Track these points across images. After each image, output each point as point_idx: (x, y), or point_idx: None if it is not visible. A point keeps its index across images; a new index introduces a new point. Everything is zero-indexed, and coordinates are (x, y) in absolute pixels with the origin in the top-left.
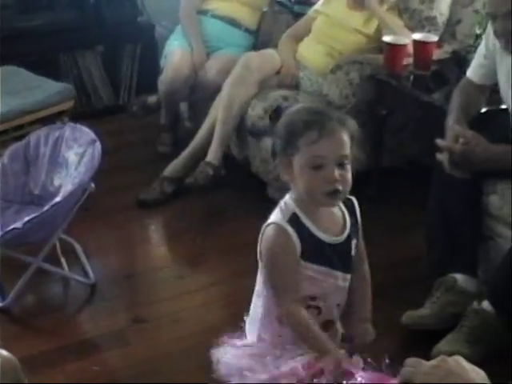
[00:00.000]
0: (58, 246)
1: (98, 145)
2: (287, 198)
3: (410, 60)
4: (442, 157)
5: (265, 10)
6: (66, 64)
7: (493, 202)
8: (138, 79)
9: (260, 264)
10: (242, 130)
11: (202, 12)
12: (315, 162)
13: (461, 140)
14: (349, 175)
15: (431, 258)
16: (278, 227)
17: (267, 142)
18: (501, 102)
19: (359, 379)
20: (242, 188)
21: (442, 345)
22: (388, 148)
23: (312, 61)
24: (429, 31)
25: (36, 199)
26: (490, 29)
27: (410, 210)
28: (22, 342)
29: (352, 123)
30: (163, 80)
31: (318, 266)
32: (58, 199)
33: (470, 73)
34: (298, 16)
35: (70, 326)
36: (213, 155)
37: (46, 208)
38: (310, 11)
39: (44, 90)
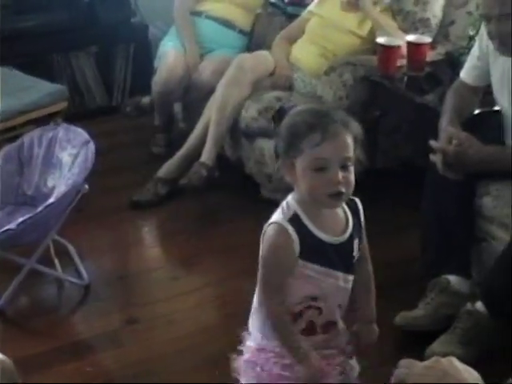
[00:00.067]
0: (51, 247)
1: (92, 146)
2: (289, 198)
3: (404, 61)
4: (435, 158)
5: (258, 11)
6: (59, 65)
7: (486, 204)
8: (131, 80)
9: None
10: (235, 131)
11: (196, 13)
12: (318, 164)
13: (454, 141)
14: (352, 177)
15: (425, 259)
16: (278, 227)
17: (261, 143)
18: (494, 103)
19: None
20: (236, 189)
21: (436, 346)
22: (381, 149)
23: (306, 62)
24: (422, 33)
25: (29, 200)
26: (483, 30)
27: (403, 211)
28: (16, 343)
29: (355, 125)
30: (157, 81)
31: (317, 265)
32: (51, 200)
33: (464, 74)
34: (291, 17)
35: (63, 328)
36: (207, 156)
37: (39, 209)
38: (304, 13)
39: (37, 90)
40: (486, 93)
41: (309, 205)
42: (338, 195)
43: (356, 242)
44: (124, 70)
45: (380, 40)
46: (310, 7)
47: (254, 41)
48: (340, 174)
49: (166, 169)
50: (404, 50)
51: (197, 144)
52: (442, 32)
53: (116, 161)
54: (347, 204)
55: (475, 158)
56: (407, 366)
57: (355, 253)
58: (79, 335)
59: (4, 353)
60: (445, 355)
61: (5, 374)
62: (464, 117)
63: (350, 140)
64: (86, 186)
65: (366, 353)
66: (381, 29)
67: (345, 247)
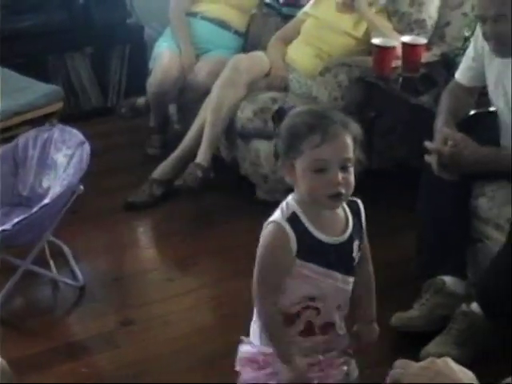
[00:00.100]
0: (46, 248)
1: (87, 147)
2: (290, 198)
3: (399, 62)
4: (430, 159)
5: (254, 12)
6: (54, 66)
7: (481, 205)
8: (126, 81)
9: None
10: (231, 131)
11: (192, 14)
12: (318, 165)
13: (449, 142)
14: (352, 178)
15: (420, 259)
16: (276, 225)
17: (256, 144)
18: (489, 104)
19: None
20: (231, 190)
21: (431, 347)
22: (377, 150)
23: (301, 63)
24: (418, 34)
25: (24, 201)
26: (478, 31)
27: (398, 212)
28: (11, 344)
29: (355, 126)
30: (152, 82)
31: (314, 265)
32: (46, 201)
33: (459, 75)
34: (286, 18)
35: (58, 329)
36: (202, 157)
37: (34, 210)
38: (300, 13)
39: (33, 91)
40: (481, 94)
41: (308, 205)
42: (337, 196)
43: (356, 243)
44: (119, 71)
45: (375, 41)
46: (306, 8)
47: (249, 42)
48: (340, 175)
49: (161, 170)
50: (399, 51)
51: (192, 145)
52: (438, 33)
53: (111, 162)
54: (348, 205)
55: (470, 159)
56: (402, 367)
57: (355, 254)
58: (74, 336)
59: None
60: (440, 356)
61: (5, 375)
62: (459, 118)
63: (349, 141)
64: (81, 187)
65: (367, 352)
66: (376, 30)
67: (344, 248)
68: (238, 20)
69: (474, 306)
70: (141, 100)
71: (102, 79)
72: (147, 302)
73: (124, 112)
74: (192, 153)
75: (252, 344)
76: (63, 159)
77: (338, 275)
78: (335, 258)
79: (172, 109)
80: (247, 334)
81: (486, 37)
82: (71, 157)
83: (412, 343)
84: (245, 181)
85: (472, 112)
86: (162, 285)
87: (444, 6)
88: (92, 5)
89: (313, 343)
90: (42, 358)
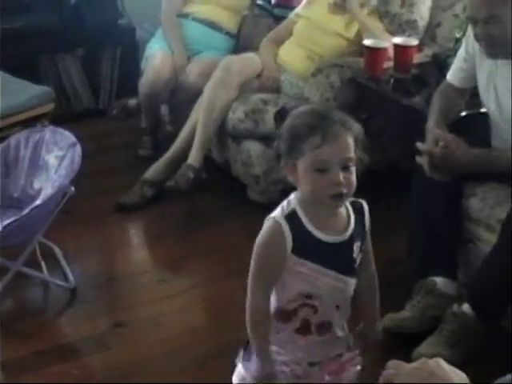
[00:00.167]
0: (37, 249)
1: (79, 148)
2: (292, 196)
3: (391, 63)
4: (422, 160)
5: (245, 13)
6: (45, 67)
7: (473, 205)
8: (118, 82)
9: None
10: (222, 132)
11: (183, 15)
12: (319, 165)
13: (441, 143)
14: (353, 177)
15: (412, 260)
16: (273, 222)
17: (248, 145)
18: (480, 105)
19: None
20: (223, 191)
21: (423, 347)
22: (368, 151)
23: (293, 64)
24: (409, 35)
25: (16, 202)
26: (469, 32)
27: (390, 213)
28: (2, 346)
29: (356, 125)
30: (144, 83)
31: (310, 262)
32: (37, 202)
33: (450, 76)
34: (278, 19)
35: (50, 330)
36: (194, 158)
37: (25, 211)
38: (291, 15)
39: (24, 92)
40: (472, 95)
41: (309, 203)
42: (339, 196)
43: (357, 244)
44: (111, 72)
45: (367, 42)
46: (297, 10)
47: (240, 43)
48: (341, 175)
49: (152, 171)
50: (391, 52)
51: (184, 146)
52: (429, 34)
53: (103, 163)
54: (352, 205)
55: (462, 160)
56: (395, 368)
57: (356, 255)
58: (66, 338)
59: None
60: (432, 357)
61: None
62: (450, 119)
63: (350, 141)
64: (73, 189)
65: (371, 351)
66: (368, 31)
67: (343, 247)
68: (229, 21)
69: (466, 307)
70: (132, 101)
71: (94, 80)
72: (138, 304)
73: (115, 113)
74: (184, 154)
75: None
76: (55, 160)
77: (336, 274)
78: (334, 257)
79: (164, 110)
80: (239, 335)
81: (477, 38)
82: (63, 158)
83: (404, 344)
84: (236, 182)
85: (463, 113)
86: (153, 286)
87: (435, 7)
88: (83, 6)
89: (308, 342)
90: (33, 360)
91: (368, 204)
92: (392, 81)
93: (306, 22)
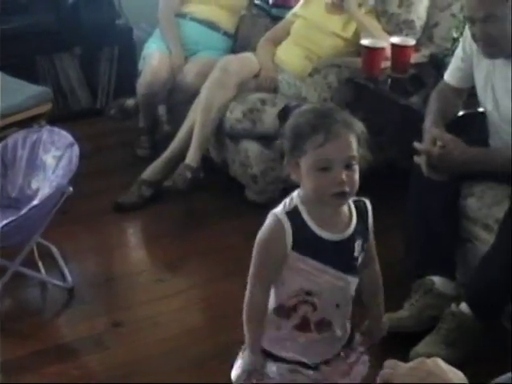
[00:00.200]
0: (35, 249)
1: (76, 148)
2: (295, 193)
3: (388, 63)
4: (419, 160)
5: (243, 13)
6: (43, 67)
7: (470, 205)
8: (115, 82)
9: None
10: (220, 132)
11: (181, 15)
12: (322, 164)
13: (438, 143)
14: (356, 176)
15: (410, 260)
16: (274, 218)
17: (246, 145)
18: (478, 105)
19: None
20: (221, 191)
21: (420, 347)
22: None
23: (290, 64)
24: (406, 35)
25: (13, 202)
26: (467, 32)
27: (387, 212)
28: (0, 346)
29: (359, 124)
30: (141, 83)
31: (310, 259)
32: (35, 202)
33: (448, 76)
34: (276, 19)
35: (47, 330)
36: (191, 158)
37: (23, 211)
38: (289, 15)
39: (21, 92)
40: (470, 94)
41: (312, 201)
42: (341, 194)
43: (358, 242)
44: (108, 72)
45: (364, 42)
46: (295, 9)
47: (238, 43)
48: (344, 174)
49: (150, 171)
50: (388, 52)
51: (181, 146)
52: (426, 34)
53: (100, 163)
54: (356, 204)
55: (459, 160)
56: (392, 367)
57: (357, 253)
58: (63, 338)
59: None
60: (429, 356)
61: None
62: (448, 118)
63: (353, 139)
64: (71, 189)
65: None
66: (365, 31)
67: (344, 245)
68: (227, 21)
69: (463, 307)
70: (130, 101)
71: (91, 80)
72: (136, 304)
73: (113, 113)
74: (182, 154)
75: None
76: (52, 160)
77: (336, 272)
78: (334, 254)
79: (161, 110)
80: (237, 336)
81: (474, 38)
82: (60, 158)
83: (402, 343)
84: (234, 181)
85: (461, 113)
86: (151, 286)
87: (433, 7)
88: (81, 6)
89: (308, 339)
90: (31, 360)
91: None
92: (389, 81)
93: (303, 22)
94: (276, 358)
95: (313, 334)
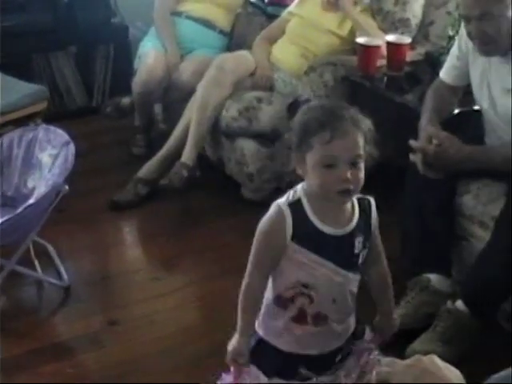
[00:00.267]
0: (31, 248)
1: (72, 146)
2: (299, 185)
3: (384, 61)
4: (415, 158)
5: (239, 11)
6: (38, 65)
7: (466, 202)
8: (111, 81)
9: None
10: (216, 131)
11: (176, 13)
12: (328, 161)
13: (434, 141)
14: (361, 174)
15: (406, 257)
16: (276, 208)
17: (241, 143)
18: (474, 103)
19: None
20: (217, 189)
21: (417, 344)
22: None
23: (286, 62)
24: (402, 33)
25: (9, 201)
26: (462, 30)
27: (383, 210)
28: None
29: (366, 122)
30: (137, 81)
31: (308, 251)
32: (31, 201)
33: (443, 74)
34: (271, 17)
35: (43, 329)
36: (187, 156)
37: (19, 210)
38: (284, 13)
39: (17, 91)
40: (465, 92)
41: (315, 196)
42: (346, 192)
43: (359, 239)
44: (104, 70)
45: (360, 40)
46: (291, 8)
47: (234, 41)
48: (348, 172)
49: (146, 169)
50: (384, 50)
51: (177, 144)
52: (422, 32)
53: (96, 161)
54: (360, 201)
55: (455, 158)
56: (389, 365)
57: (357, 251)
58: (60, 336)
59: None
60: (426, 353)
61: None
62: (443, 116)
63: (359, 137)
64: (66, 187)
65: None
66: (361, 29)
67: (344, 241)
68: (222, 19)
69: (459, 304)
70: (126, 100)
71: (87, 79)
72: (132, 302)
73: (109, 112)
74: (177, 152)
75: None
76: (48, 159)
77: (334, 267)
78: (334, 249)
79: (157, 108)
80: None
81: (470, 36)
82: (56, 157)
83: (398, 341)
84: (230, 180)
85: (456, 111)
86: (147, 284)
87: (428, 5)
88: (76, 4)
89: (304, 332)
90: (28, 359)
91: None
92: (385, 79)
93: (299, 20)
94: (265, 361)
95: (309, 326)
